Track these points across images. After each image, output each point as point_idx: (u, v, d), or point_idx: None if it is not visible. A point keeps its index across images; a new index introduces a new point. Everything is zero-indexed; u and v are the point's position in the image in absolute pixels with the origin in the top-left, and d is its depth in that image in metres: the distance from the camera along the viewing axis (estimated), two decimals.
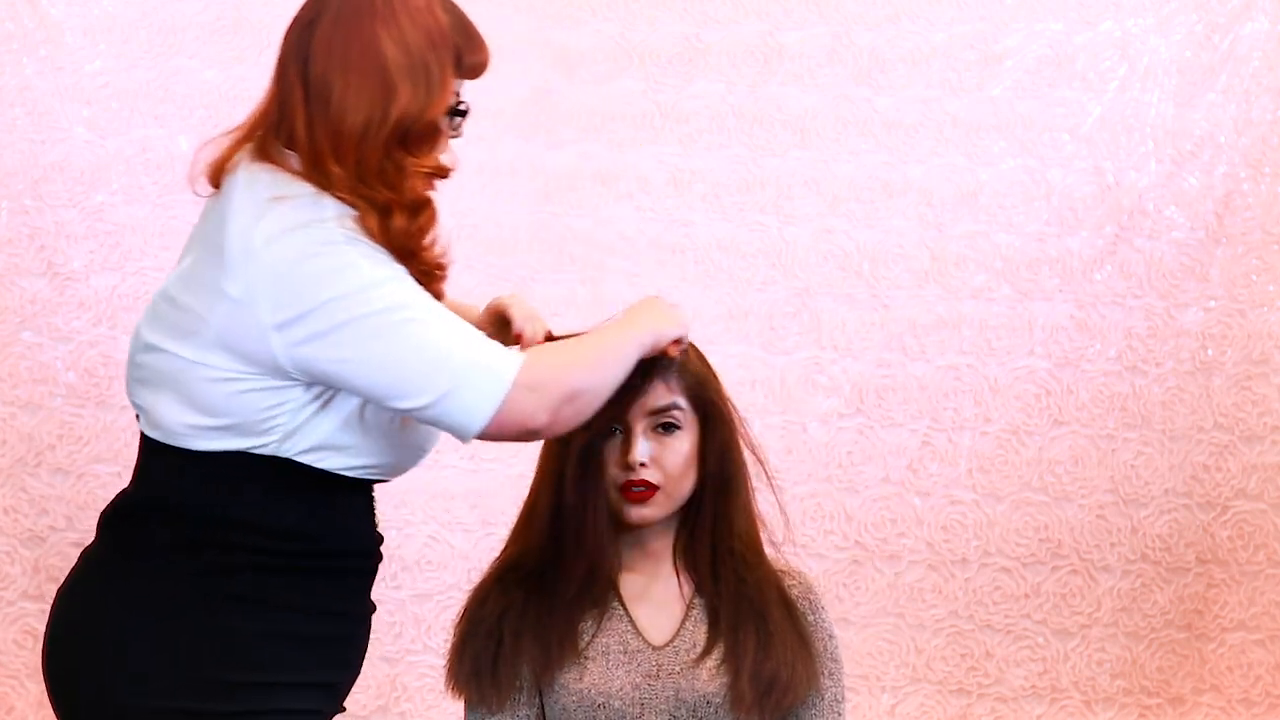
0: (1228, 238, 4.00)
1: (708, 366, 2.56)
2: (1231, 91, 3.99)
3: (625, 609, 2.52)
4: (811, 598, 2.57)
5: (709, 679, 2.47)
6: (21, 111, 3.73)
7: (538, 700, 2.49)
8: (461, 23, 2.36)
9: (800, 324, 3.97)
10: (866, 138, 3.98)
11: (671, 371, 2.50)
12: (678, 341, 2.44)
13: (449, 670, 2.53)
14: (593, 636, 2.49)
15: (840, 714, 2.55)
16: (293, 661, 2.33)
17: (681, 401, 2.51)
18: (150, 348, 2.32)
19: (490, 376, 2.25)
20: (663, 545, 2.55)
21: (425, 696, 3.82)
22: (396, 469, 2.41)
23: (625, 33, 3.98)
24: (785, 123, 3.99)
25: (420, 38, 2.30)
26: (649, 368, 2.47)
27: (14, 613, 3.72)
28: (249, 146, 2.33)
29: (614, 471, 2.49)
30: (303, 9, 2.35)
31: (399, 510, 3.81)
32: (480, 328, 2.51)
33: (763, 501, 2.59)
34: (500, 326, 2.53)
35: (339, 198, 2.26)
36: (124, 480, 2.42)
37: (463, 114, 2.37)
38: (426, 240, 2.31)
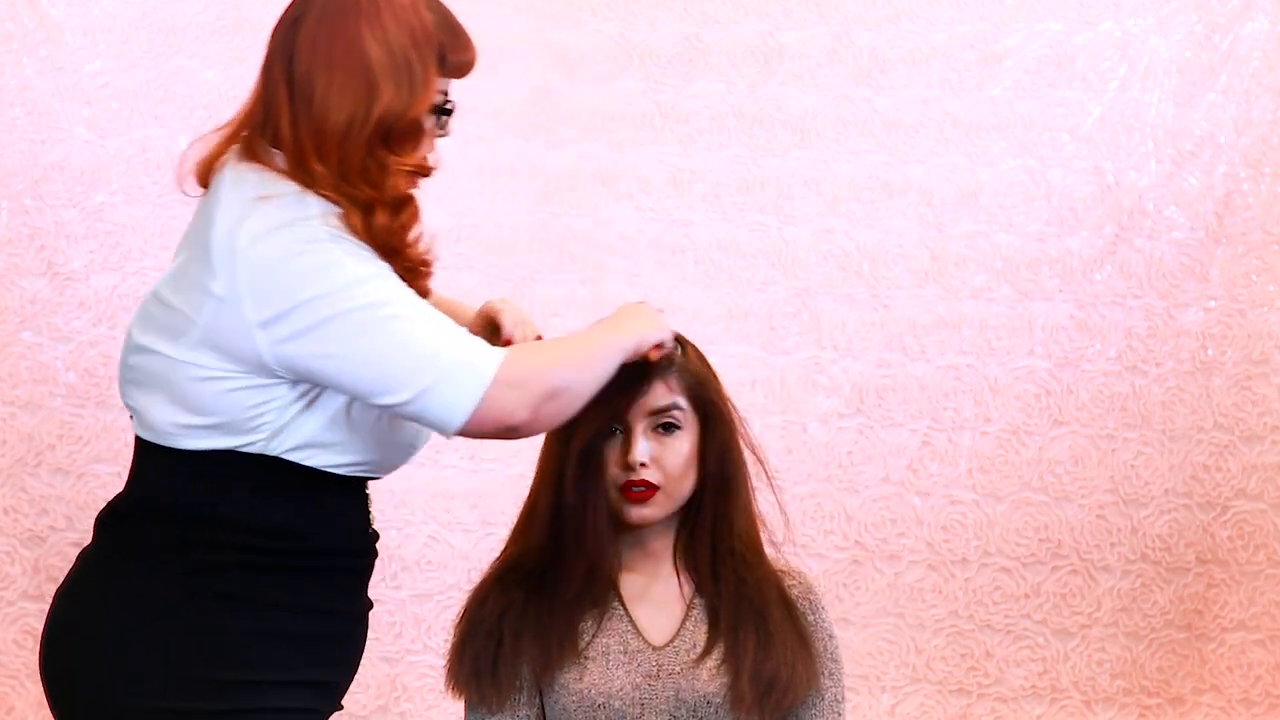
0: (1228, 238, 4.00)
1: (708, 366, 2.56)
2: (1231, 91, 3.99)
3: (625, 609, 2.52)
4: (811, 598, 2.57)
5: (709, 679, 2.47)
6: (21, 111, 3.73)
7: (538, 700, 2.49)
8: (447, 21, 2.37)
9: (800, 324, 3.97)
10: (866, 138, 3.98)
11: (672, 372, 2.51)
12: (659, 346, 2.45)
13: (449, 670, 2.53)
14: (593, 636, 2.49)
15: (840, 714, 2.55)
16: (281, 660, 2.34)
17: (682, 401, 2.51)
18: (140, 349, 2.34)
19: (471, 372, 2.25)
20: (663, 545, 2.55)
21: (425, 696, 3.82)
22: (386, 466, 2.41)
23: (625, 33, 3.98)
24: (785, 123, 3.99)
25: (404, 36, 2.30)
26: (648, 368, 2.47)
27: (14, 613, 3.72)
28: (237, 146, 2.34)
29: (614, 471, 2.49)
30: (289, 7, 2.36)
31: (399, 510, 3.82)
32: (472, 331, 2.52)
33: (763, 501, 2.59)
34: (491, 331, 2.54)
35: (323, 196, 2.28)
36: (123, 480, 2.43)
37: (448, 112, 2.37)
38: (410, 237, 2.32)
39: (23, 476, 3.74)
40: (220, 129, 2.37)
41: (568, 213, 3.95)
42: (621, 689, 2.46)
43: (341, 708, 2.49)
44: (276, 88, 2.31)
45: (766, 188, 3.98)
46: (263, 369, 2.26)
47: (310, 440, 2.31)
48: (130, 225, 3.75)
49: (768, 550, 2.58)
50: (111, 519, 2.40)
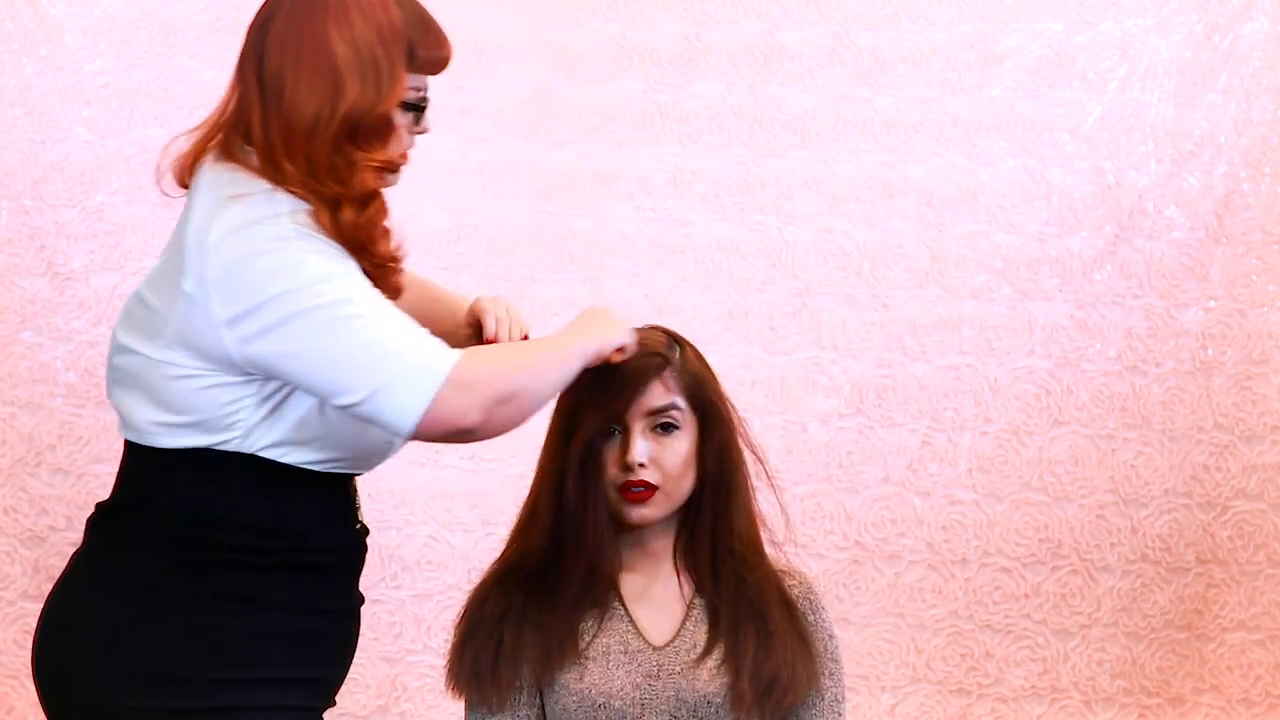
0: (1228, 238, 4.00)
1: (706, 366, 2.56)
2: (1231, 91, 3.99)
3: (625, 609, 2.52)
4: (812, 598, 2.58)
5: (709, 679, 2.47)
6: (21, 111, 3.73)
7: (538, 701, 2.49)
8: (419, 18, 2.37)
9: (800, 324, 3.97)
10: (866, 138, 3.98)
11: (670, 372, 2.51)
12: (621, 349, 2.45)
13: (449, 671, 2.53)
14: (593, 637, 2.49)
15: (840, 714, 2.55)
16: (270, 657, 2.34)
17: (680, 401, 2.51)
18: (122, 349, 2.36)
19: (424, 372, 2.25)
20: (663, 545, 2.55)
21: (425, 696, 3.82)
22: (364, 463, 2.42)
23: (625, 33, 3.98)
24: (785, 123, 3.99)
25: (370, 33, 2.31)
26: (646, 369, 2.47)
27: (14, 613, 3.72)
28: (215, 146, 2.35)
29: (613, 472, 2.49)
30: (261, 7, 2.38)
31: (399, 510, 3.82)
32: (461, 329, 2.53)
33: (763, 501, 2.59)
34: (477, 329, 2.54)
35: (293, 193, 2.29)
36: None
37: (420, 108, 2.37)
38: (377, 233, 2.32)
39: (23, 476, 3.74)
40: (194, 130, 2.39)
41: (568, 213, 3.95)
42: (622, 689, 2.46)
43: (334, 703, 2.49)
44: (249, 87, 2.34)
45: (766, 188, 3.98)
46: (232, 367, 2.28)
47: (285, 438, 2.32)
48: (130, 225, 3.75)
49: (768, 550, 2.58)
50: (100, 519, 2.42)
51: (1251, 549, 4.01)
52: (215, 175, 2.33)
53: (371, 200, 2.32)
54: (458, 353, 2.30)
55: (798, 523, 3.60)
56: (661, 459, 2.49)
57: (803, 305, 3.97)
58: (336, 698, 2.52)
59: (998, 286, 3.98)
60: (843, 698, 2.56)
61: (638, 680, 2.47)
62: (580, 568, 2.48)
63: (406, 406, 2.25)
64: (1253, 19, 3.99)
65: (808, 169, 3.98)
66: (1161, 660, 4.00)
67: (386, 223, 2.35)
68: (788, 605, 2.54)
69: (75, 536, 3.66)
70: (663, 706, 2.46)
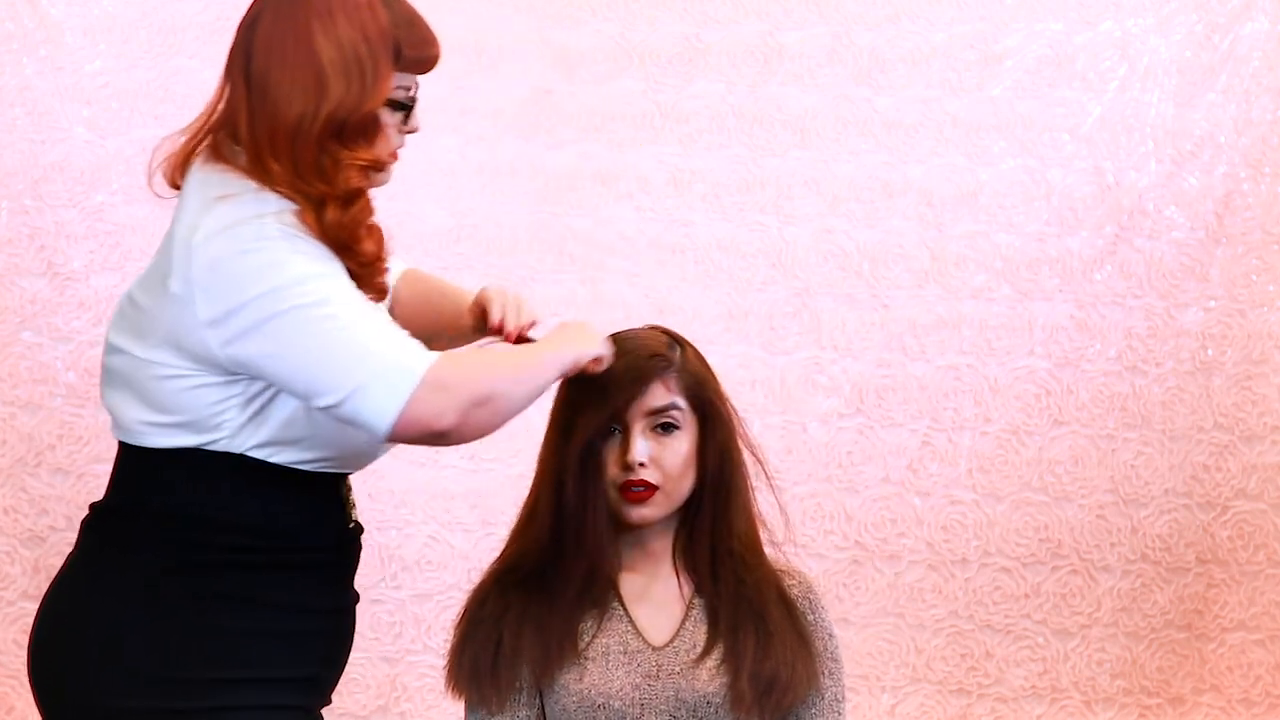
0: (1228, 238, 4.00)
1: (706, 367, 2.56)
2: (1231, 91, 3.99)
3: (625, 609, 2.52)
4: (811, 597, 2.57)
5: (709, 679, 2.47)
6: (21, 111, 3.73)
7: (538, 701, 2.49)
8: (406, 17, 2.37)
9: (800, 324, 3.97)
10: (866, 138, 3.98)
11: (670, 372, 2.51)
12: (598, 360, 2.45)
13: (449, 671, 2.53)
14: (593, 637, 2.49)
15: (840, 713, 2.55)
16: (264, 657, 2.35)
17: (680, 401, 2.51)
18: (113, 349, 2.37)
19: (400, 373, 2.26)
20: (662, 545, 2.55)
21: (425, 696, 3.82)
22: (353, 463, 2.42)
23: (625, 33, 3.98)
24: (785, 123, 3.99)
25: (354, 33, 2.31)
26: (646, 369, 2.48)
27: (14, 613, 3.72)
28: (205, 146, 2.35)
29: (613, 471, 2.49)
30: (250, 6, 2.40)
31: (399, 510, 3.82)
32: (465, 319, 2.52)
33: (762, 501, 2.59)
34: (482, 318, 2.54)
35: (280, 193, 2.29)
36: None
37: (408, 107, 2.37)
38: (362, 232, 2.32)
39: (23, 476, 3.74)
40: (184, 130, 2.39)
41: (568, 213, 3.95)
42: (621, 689, 2.46)
43: (330, 701, 2.50)
44: (236, 87, 2.35)
45: (766, 188, 3.98)
46: (218, 367, 2.28)
47: (273, 438, 2.32)
48: (130, 225, 3.75)
49: (767, 550, 2.58)
50: (95, 520, 2.43)
51: (1251, 549, 4.01)
52: (205, 176, 2.34)
53: (355, 199, 2.32)
54: (434, 355, 2.30)
55: (798, 523, 3.61)
56: (662, 459, 2.49)
57: (803, 305, 3.97)
58: (335, 697, 2.52)
59: (998, 286, 3.98)
60: (843, 697, 2.56)
61: (637, 680, 2.47)
62: (580, 568, 2.48)
63: (383, 407, 2.25)
64: (1253, 19, 3.99)
65: (808, 169, 3.98)
66: (1161, 660, 4.00)
67: (371, 222, 2.35)
68: (787, 605, 2.54)
69: (75, 536, 3.68)
70: (662, 707, 2.46)
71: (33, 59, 3.74)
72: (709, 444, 2.52)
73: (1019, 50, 4.00)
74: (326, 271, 2.27)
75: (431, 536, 3.86)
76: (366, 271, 2.33)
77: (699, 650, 2.49)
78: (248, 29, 2.37)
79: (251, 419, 2.31)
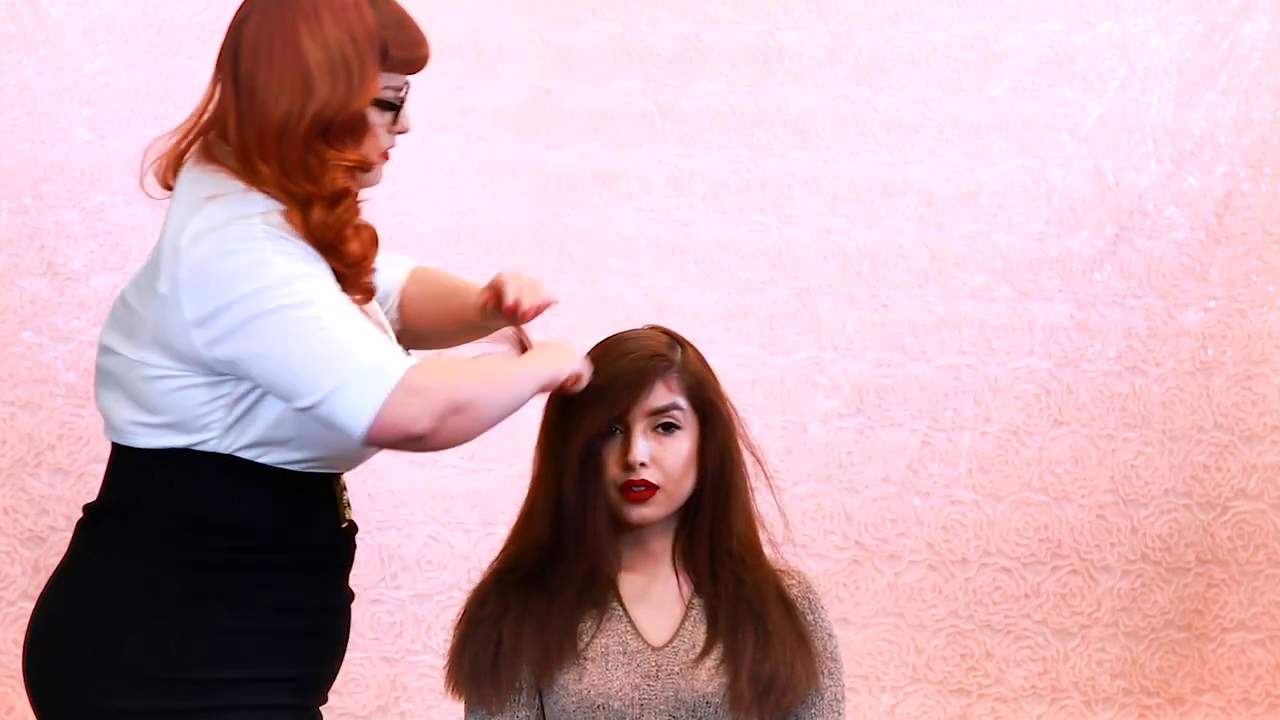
0: (1228, 238, 4.00)
1: (707, 367, 2.56)
2: (1231, 91, 3.99)
3: (625, 609, 2.52)
4: (811, 597, 2.57)
5: (708, 679, 2.47)
6: (21, 111, 3.73)
7: (537, 701, 2.49)
8: (394, 17, 2.37)
9: (800, 324, 3.97)
10: (866, 138, 3.98)
11: (671, 372, 2.51)
12: (577, 378, 2.45)
13: (448, 671, 2.53)
14: (592, 637, 2.49)
15: (840, 713, 2.55)
16: (257, 656, 2.35)
17: (681, 401, 2.51)
18: (105, 350, 2.38)
19: (377, 376, 2.25)
20: (662, 545, 2.55)
21: (425, 696, 3.82)
22: (343, 463, 2.42)
23: (625, 33, 3.98)
24: (785, 123, 3.99)
25: (341, 33, 2.31)
26: (647, 369, 2.48)
27: (14, 613, 3.72)
28: (197, 147, 2.36)
29: (614, 471, 2.49)
30: (239, 7, 2.40)
31: (399, 510, 3.82)
32: (476, 309, 2.52)
33: (762, 502, 2.59)
34: (496, 302, 2.54)
35: (268, 194, 2.29)
36: None
37: (396, 107, 2.37)
38: (348, 233, 2.32)
39: (23, 476, 3.74)
40: (175, 130, 2.39)
41: (568, 213, 3.95)
42: (621, 689, 2.46)
43: (327, 700, 2.50)
44: (225, 87, 2.35)
45: (766, 188, 3.98)
46: (205, 367, 2.28)
47: (261, 438, 2.32)
48: (130, 225, 3.75)
49: (767, 550, 2.58)
50: (90, 521, 2.43)
51: (1251, 549, 4.01)
52: (196, 176, 2.34)
53: (342, 199, 2.32)
54: (412, 359, 2.30)
55: (798, 523, 3.61)
56: (662, 459, 2.49)
57: (803, 305, 3.97)
58: (335, 697, 2.52)
59: (998, 286, 3.98)
60: (842, 697, 2.56)
61: (636, 681, 2.47)
62: (580, 568, 2.48)
63: (359, 409, 2.25)
64: (1253, 19, 3.99)
65: (808, 169, 3.98)
66: (1161, 660, 4.00)
67: (359, 223, 2.35)
68: (786, 605, 2.54)
69: None
70: (662, 707, 2.46)
71: (33, 59, 3.74)
72: (709, 444, 2.52)
73: (1019, 50, 4.00)
74: (311, 272, 2.27)
75: (431, 536, 3.86)
76: (353, 272, 2.33)
77: (698, 650, 2.49)
78: (236, 29, 2.37)
79: (239, 419, 2.31)
